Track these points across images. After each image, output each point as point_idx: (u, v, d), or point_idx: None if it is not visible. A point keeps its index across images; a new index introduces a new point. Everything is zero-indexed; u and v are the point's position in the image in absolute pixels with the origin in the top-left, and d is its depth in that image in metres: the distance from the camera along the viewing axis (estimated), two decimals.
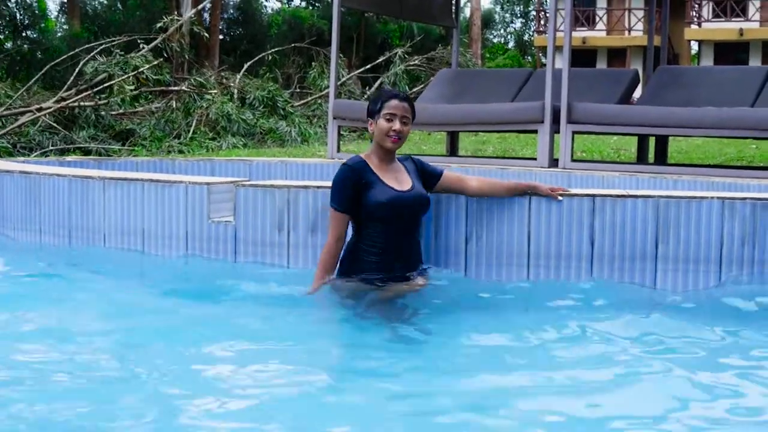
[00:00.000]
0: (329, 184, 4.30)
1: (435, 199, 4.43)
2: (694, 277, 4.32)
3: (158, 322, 4.02)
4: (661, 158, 8.91)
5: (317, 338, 3.86)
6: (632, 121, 7.27)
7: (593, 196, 4.38)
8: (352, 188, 4.14)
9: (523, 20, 57.09)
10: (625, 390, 3.14)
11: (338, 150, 8.45)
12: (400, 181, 4.25)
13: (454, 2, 10.05)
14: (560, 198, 4.41)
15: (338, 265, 4.24)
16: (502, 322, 4.00)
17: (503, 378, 3.30)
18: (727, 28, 33.71)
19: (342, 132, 15.46)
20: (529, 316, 4.15)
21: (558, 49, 7.71)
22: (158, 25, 17.49)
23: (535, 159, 7.59)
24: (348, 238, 4.24)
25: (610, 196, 4.38)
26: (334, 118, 8.47)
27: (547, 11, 29.64)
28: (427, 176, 4.40)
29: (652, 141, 9.10)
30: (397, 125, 4.19)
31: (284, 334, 3.85)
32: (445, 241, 4.49)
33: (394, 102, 4.23)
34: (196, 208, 4.76)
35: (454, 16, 10.08)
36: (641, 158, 9.07)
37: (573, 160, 7.45)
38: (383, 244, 4.16)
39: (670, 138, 11.19)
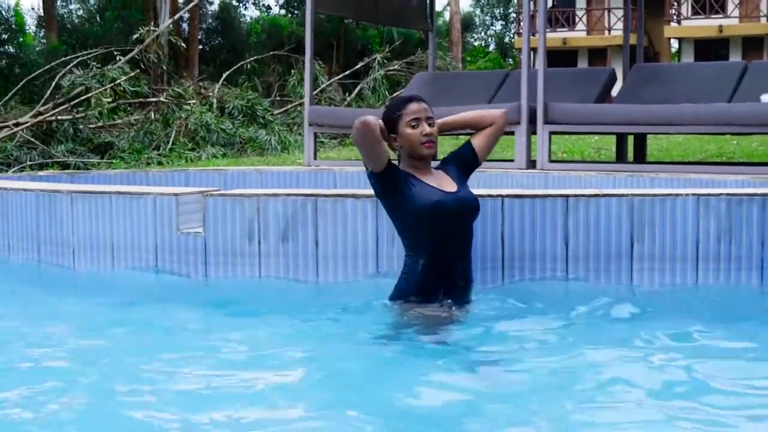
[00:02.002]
0: (300, 191, 4.20)
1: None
2: (671, 275, 4.27)
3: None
4: (640, 156, 8.88)
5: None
6: (608, 120, 7.22)
7: (566, 196, 4.32)
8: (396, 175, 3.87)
9: (504, 23, 57.20)
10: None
11: (315, 157, 8.37)
12: (443, 185, 3.95)
13: (428, 5, 10.00)
14: None
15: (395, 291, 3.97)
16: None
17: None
18: (706, 25, 33.83)
19: (322, 139, 15.47)
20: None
21: (535, 49, 7.65)
22: (135, 36, 17.41)
23: (513, 161, 7.53)
24: (403, 268, 3.97)
25: (584, 195, 4.32)
26: (310, 125, 8.40)
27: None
28: (462, 159, 4.14)
29: (631, 140, 9.06)
30: (426, 128, 3.90)
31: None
32: None
33: (413, 106, 3.93)
34: (165, 219, 4.68)
35: (429, 19, 10.04)
36: (620, 157, 9.03)
37: (551, 161, 7.40)
38: (434, 257, 3.85)
39: (651, 136, 11.16)
